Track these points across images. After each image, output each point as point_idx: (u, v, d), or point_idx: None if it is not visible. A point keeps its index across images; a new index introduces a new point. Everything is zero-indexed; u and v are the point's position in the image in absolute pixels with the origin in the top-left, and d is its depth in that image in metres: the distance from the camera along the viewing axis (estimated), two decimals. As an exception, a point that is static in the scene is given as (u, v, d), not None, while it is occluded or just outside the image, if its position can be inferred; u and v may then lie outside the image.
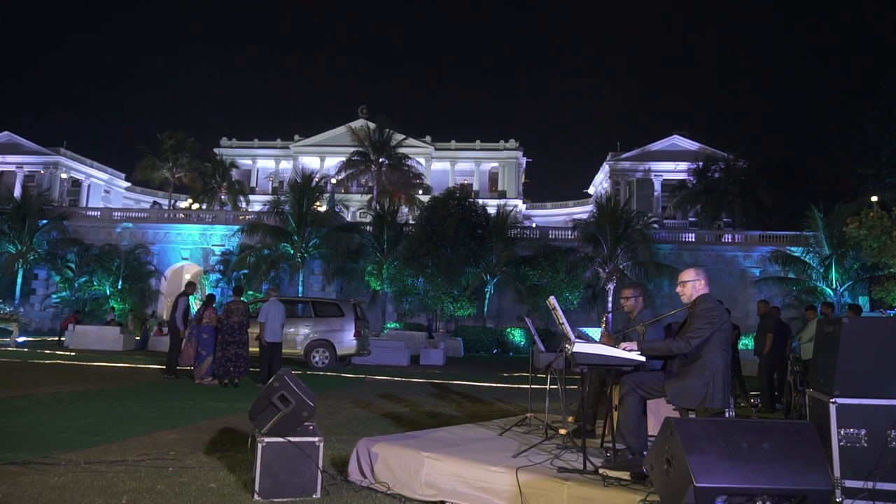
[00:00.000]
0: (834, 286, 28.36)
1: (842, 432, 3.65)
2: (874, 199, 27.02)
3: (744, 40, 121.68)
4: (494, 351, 28.80)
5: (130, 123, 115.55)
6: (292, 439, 4.21)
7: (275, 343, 11.92)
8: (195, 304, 21.24)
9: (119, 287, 32.19)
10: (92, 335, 21.63)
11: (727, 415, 4.36)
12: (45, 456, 5.15)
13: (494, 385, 13.21)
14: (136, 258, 33.92)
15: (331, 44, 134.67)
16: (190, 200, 46.99)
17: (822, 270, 28.87)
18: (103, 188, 59.51)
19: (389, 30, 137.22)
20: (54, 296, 33.01)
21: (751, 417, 8.79)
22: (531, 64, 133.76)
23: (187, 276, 37.27)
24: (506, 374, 16.06)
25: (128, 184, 60.88)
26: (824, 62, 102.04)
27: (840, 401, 3.70)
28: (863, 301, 28.10)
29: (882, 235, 19.11)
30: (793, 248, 30.84)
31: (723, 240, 36.41)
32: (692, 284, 4.39)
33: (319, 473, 4.22)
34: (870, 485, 3.50)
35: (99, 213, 38.84)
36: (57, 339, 24.72)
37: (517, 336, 29.28)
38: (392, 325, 30.58)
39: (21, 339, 22.75)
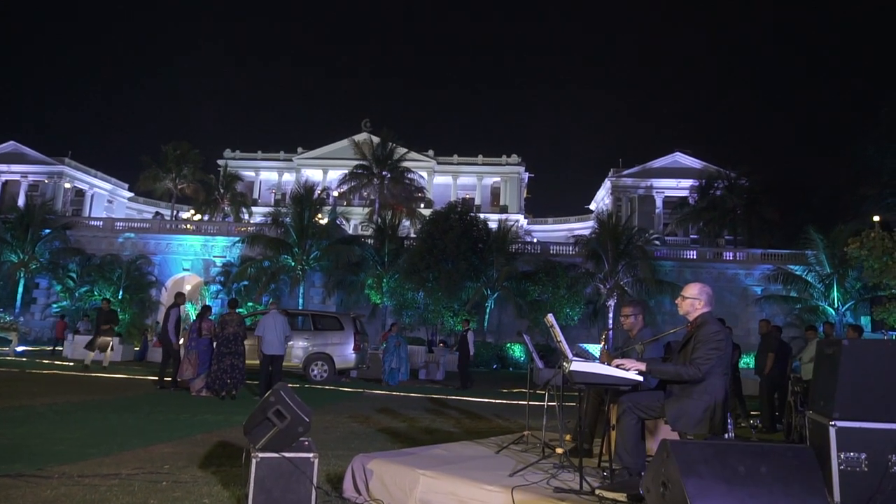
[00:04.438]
0: (835, 306, 28.27)
1: (842, 456, 3.61)
2: (876, 219, 26.99)
3: (745, 58, 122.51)
4: (494, 366, 28.67)
5: (135, 134, 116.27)
6: (287, 455, 4.17)
7: (275, 355, 11.88)
8: (193, 315, 21.16)
9: (120, 297, 32.16)
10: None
11: (727, 437, 4.32)
12: (39, 469, 5.11)
13: (493, 401, 13.12)
14: (138, 268, 33.93)
15: (335, 57, 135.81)
16: (192, 211, 47.12)
17: (823, 289, 28.80)
18: (106, 198, 59.71)
19: (393, 44, 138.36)
20: (55, 305, 32.99)
21: (750, 439, 8.73)
22: (534, 79, 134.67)
23: (188, 287, 37.25)
24: (505, 390, 15.97)
25: (131, 194, 61.12)
26: (826, 81, 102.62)
27: (840, 424, 3.66)
28: (864, 321, 27.96)
29: (883, 256, 19.04)
30: (794, 267, 30.80)
31: (724, 257, 36.38)
32: (691, 302, 4.36)
33: (314, 490, 4.18)
34: (870, 510, 3.45)
35: (101, 223, 38.93)
36: (52, 348, 24.54)
37: (517, 351, 29.17)
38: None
39: (20, 349, 22.68)
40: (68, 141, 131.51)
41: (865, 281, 24.96)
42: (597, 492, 3.82)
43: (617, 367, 4.20)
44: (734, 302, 33.25)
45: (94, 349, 16.22)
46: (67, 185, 55.72)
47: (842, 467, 3.58)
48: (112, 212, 56.24)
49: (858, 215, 30.68)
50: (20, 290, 33.37)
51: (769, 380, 10.53)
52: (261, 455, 4.13)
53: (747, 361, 19.77)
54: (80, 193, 57.73)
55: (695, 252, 37.38)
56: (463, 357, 17.07)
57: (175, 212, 51.45)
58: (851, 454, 3.60)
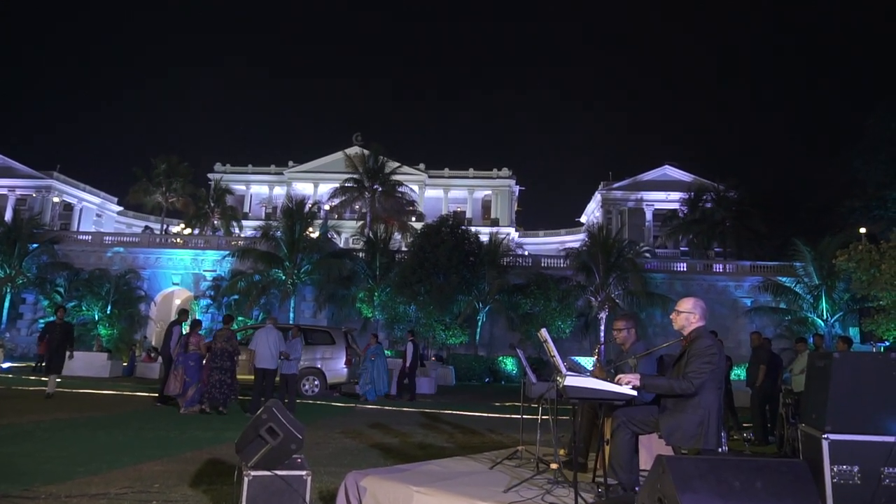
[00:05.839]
0: (824, 317, 28.45)
1: (835, 469, 3.63)
2: (862, 230, 27.28)
3: (735, 73, 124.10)
4: (486, 380, 28.58)
5: (124, 148, 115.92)
6: (279, 473, 4.13)
7: (267, 369, 11.80)
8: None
9: (108, 312, 31.86)
10: (78, 361, 21.30)
11: (721, 450, 4.33)
12: (26, 489, 5.03)
13: (486, 415, 13.08)
14: (127, 283, 33.66)
15: (325, 71, 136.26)
16: (182, 225, 46.87)
17: (812, 301, 28.99)
18: (95, 212, 59.33)
19: (385, 58, 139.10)
20: (42, 321, 32.63)
21: (744, 452, 8.74)
22: (524, 93, 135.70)
23: (177, 302, 36.98)
24: (497, 404, 15.93)
25: (120, 208, 60.77)
26: (815, 94, 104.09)
27: (832, 437, 3.68)
28: (853, 332, 28.13)
29: (871, 268, 19.19)
30: (783, 279, 31.00)
31: (714, 269, 36.62)
32: (686, 316, 4.38)
33: (307, 508, 4.14)
34: (863, 523, 3.46)
35: (90, 237, 38.65)
36: (35, 364, 24.14)
37: (509, 365, 29.12)
38: (383, 353, 30.32)
39: (6, 365, 22.39)
40: (57, 155, 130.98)
41: (854, 292, 25.14)
42: (592, 507, 3.81)
43: (615, 382, 4.20)
44: (724, 314, 33.40)
45: (54, 373, 12.91)
46: (56, 200, 55.36)
47: (835, 480, 3.59)
48: (101, 226, 55.87)
49: (846, 227, 31.01)
50: (6, 305, 32.99)
51: (761, 392, 10.56)
52: (253, 473, 4.09)
53: (738, 373, 19.83)
54: (68, 207, 57.34)
55: (685, 264, 37.59)
56: (404, 367, 17.06)
57: (165, 226, 51.20)
58: (844, 467, 3.62)
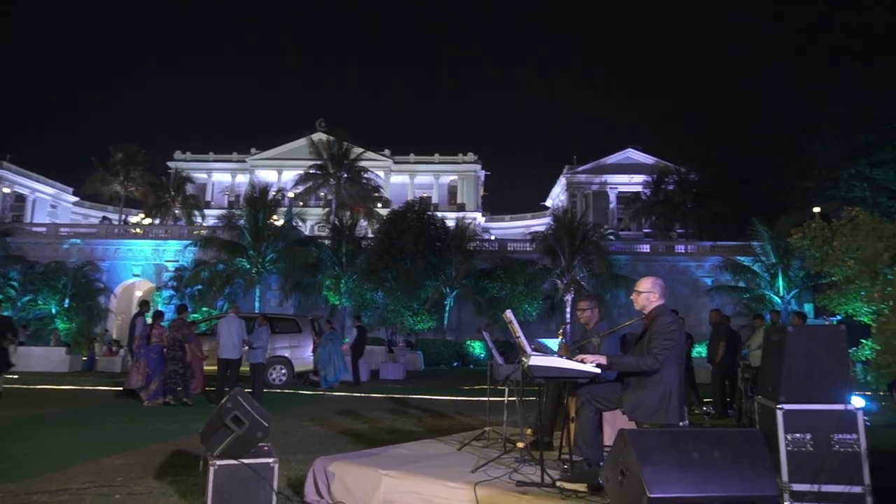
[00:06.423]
0: (781, 294, 29.36)
1: (789, 437, 3.77)
2: (816, 210, 28.15)
3: (695, 56, 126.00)
4: (455, 364, 28.77)
5: (80, 137, 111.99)
6: (246, 461, 4.10)
7: (231, 360, 11.65)
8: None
9: (66, 306, 30.95)
10: (36, 357, 20.73)
11: (682, 424, 4.44)
12: (-18, 487, 4.89)
13: (454, 398, 13.18)
14: (85, 275, 32.69)
15: (288, 57, 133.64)
16: (142, 215, 45.71)
17: (769, 279, 29.87)
18: (50, 203, 57.32)
19: (347, 43, 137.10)
20: (-7, 317, 31.51)
21: (704, 425, 9.00)
22: (489, 77, 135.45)
23: (139, 294, 36.16)
24: (466, 387, 16.05)
25: (76, 198, 58.83)
26: (772, 77, 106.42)
27: (786, 407, 3.81)
28: (808, 308, 29.12)
29: (823, 246, 19.79)
30: (742, 258, 31.82)
31: (675, 250, 37.38)
32: (646, 296, 4.46)
33: (275, 496, 4.12)
34: (816, 487, 3.61)
35: (45, 228, 37.42)
36: None
37: (477, 348, 29.35)
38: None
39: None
40: (7, 143, 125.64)
41: (808, 269, 25.94)
42: (557, 484, 3.88)
43: (579, 361, 4.27)
44: (686, 293, 34.17)
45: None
46: (6, 190, 53.30)
47: (789, 448, 3.74)
48: (56, 217, 54.05)
49: (801, 207, 31.95)
50: (-43, 301, 31.78)
51: (720, 367, 10.87)
52: (219, 462, 4.05)
53: (700, 350, 20.37)
54: (20, 199, 55.27)
55: (648, 246, 38.30)
56: (354, 353, 17.12)
57: (123, 216, 49.84)
58: (797, 435, 3.77)
